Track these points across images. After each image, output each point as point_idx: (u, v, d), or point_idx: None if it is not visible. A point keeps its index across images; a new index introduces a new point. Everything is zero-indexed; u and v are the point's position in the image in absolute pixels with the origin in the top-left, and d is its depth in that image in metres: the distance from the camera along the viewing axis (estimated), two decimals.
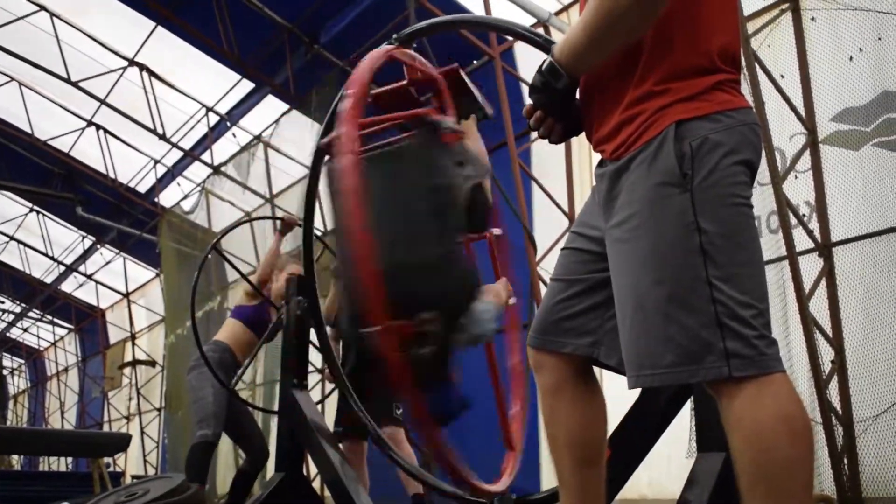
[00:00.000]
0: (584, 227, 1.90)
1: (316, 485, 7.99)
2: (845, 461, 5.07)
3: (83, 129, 13.27)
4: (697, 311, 1.54)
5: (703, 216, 1.55)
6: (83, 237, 16.95)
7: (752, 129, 1.64)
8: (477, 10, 8.24)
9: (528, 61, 8.40)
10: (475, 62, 8.77)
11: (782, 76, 5.80)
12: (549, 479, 7.74)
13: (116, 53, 11.50)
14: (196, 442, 4.55)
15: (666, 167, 1.58)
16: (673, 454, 5.04)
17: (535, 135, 6.86)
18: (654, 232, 1.59)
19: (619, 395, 2.18)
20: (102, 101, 12.34)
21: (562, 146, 7.73)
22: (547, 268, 7.55)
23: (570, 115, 1.82)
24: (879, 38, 5.43)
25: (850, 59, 5.56)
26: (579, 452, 1.90)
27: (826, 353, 5.33)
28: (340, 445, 4.54)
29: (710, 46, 1.63)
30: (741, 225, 1.59)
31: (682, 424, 4.30)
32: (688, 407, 2.74)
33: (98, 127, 13.16)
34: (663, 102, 1.61)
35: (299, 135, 10.77)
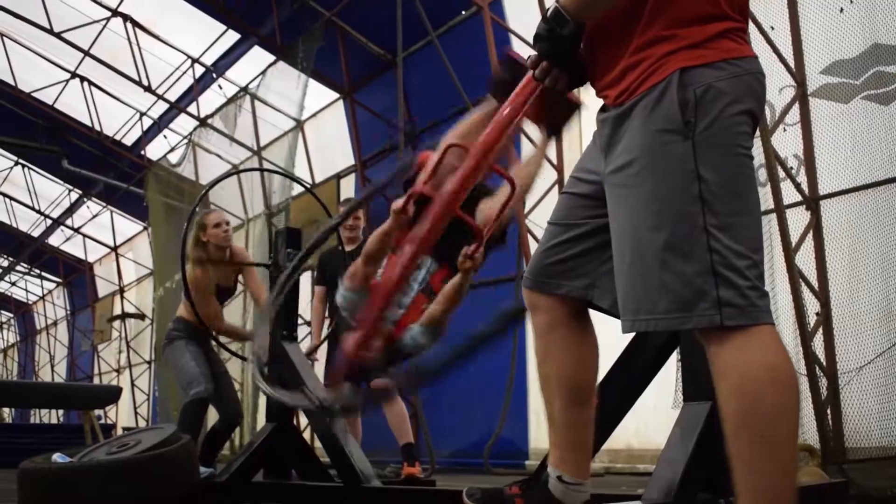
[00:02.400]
0: (583, 171, 1.90)
1: (306, 435, 8.06)
2: (829, 412, 5.13)
3: (67, 80, 13.13)
4: (693, 258, 1.55)
5: (703, 164, 1.56)
6: (70, 190, 16.86)
7: (756, 78, 1.64)
8: None
9: (518, 13, 8.32)
10: (463, 13, 8.68)
11: (772, 28, 5.76)
12: (536, 433, 7.84)
13: (100, 4, 11.36)
14: (189, 399, 4.56)
15: (668, 114, 1.58)
16: (659, 405, 5.09)
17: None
18: (654, 178, 1.60)
19: (609, 343, 2.21)
20: (86, 53, 12.20)
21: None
22: (536, 220, 7.56)
23: (576, 64, 1.81)
24: None
25: (841, 10, 5.53)
26: (570, 391, 1.92)
27: (812, 306, 5.37)
28: None
29: None
30: (741, 175, 1.59)
31: (669, 376, 4.35)
32: (674, 358, 2.77)
33: (82, 79, 13.01)
34: (668, 48, 1.60)
35: (286, 86, 10.67)
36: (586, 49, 1.77)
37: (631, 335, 2.42)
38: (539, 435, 7.73)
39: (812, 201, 5.59)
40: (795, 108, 5.77)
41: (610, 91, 1.71)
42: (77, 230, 18.32)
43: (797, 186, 5.63)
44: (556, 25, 1.69)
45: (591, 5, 1.67)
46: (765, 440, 1.50)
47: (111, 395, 8.45)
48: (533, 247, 7.44)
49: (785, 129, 5.79)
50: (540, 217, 7.57)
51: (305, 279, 5.54)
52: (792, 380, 1.55)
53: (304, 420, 6.62)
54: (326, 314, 5.62)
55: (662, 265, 1.57)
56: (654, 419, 5.41)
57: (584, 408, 1.94)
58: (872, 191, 5.33)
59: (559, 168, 7.71)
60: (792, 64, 5.76)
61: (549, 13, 1.71)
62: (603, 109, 1.76)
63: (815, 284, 5.44)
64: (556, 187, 7.69)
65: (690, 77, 1.58)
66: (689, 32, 1.60)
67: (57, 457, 3.37)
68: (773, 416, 1.50)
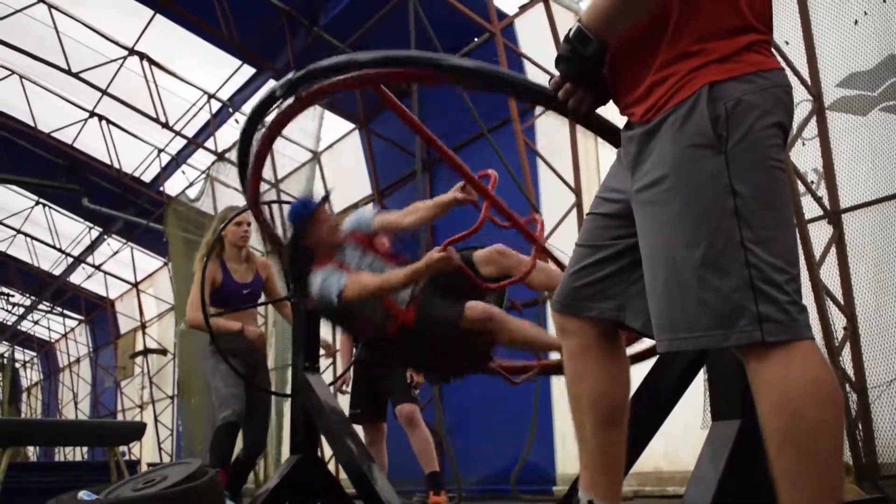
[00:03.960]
0: (609, 191, 1.89)
1: (331, 466, 8.01)
2: (860, 428, 5.05)
3: (86, 120, 13.26)
4: (731, 274, 1.52)
5: (737, 178, 1.54)
6: (90, 228, 16.98)
7: (784, 90, 1.63)
8: None
9: (530, 37, 8.35)
10: (476, 39, 8.72)
11: (787, 42, 5.74)
12: (562, 457, 7.77)
13: (116, 43, 11.46)
14: (219, 424, 4.54)
15: (699, 129, 1.56)
16: (689, 425, 5.03)
17: (538, 110, 6.83)
18: (687, 194, 1.58)
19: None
20: (104, 92, 12.32)
21: (566, 122, 7.69)
22: (555, 244, 7.52)
23: (599, 84, 1.79)
24: (884, 1, 5.36)
25: (856, 22, 5.50)
26: (602, 413, 1.90)
27: (838, 321, 5.31)
28: (359, 427, 4.56)
29: (743, 5, 1.61)
30: (775, 188, 1.57)
31: (697, 395, 4.30)
32: (700, 377, 2.73)
33: (100, 117, 13.14)
34: (696, 63, 1.59)
35: (302, 118, 10.70)
36: (610, 67, 1.75)
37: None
38: (566, 459, 7.66)
39: (834, 215, 5.54)
40: (813, 122, 5.73)
41: (636, 108, 1.70)
42: (98, 267, 18.43)
43: (818, 200, 5.59)
44: (579, 45, 1.68)
45: (615, 23, 1.65)
46: (810, 456, 1.47)
47: (136, 431, 8.40)
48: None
49: (804, 144, 5.76)
50: (559, 241, 7.54)
51: None
52: (835, 394, 1.52)
53: (328, 451, 6.59)
54: (353, 345, 5.60)
55: (700, 282, 1.55)
56: (683, 440, 5.35)
57: (616, 429, 1.91)
58: (894, 202, 5.27)
59: (577, 191, 7.69)
60: (807, 78, 5.73)
61: (570, 33, 1.69)
62: (628, 127, 1.74)
63: (841, 299, 5.38)
64: (575, 210, 7.67)
65: (720, 91, 1.56)
66: (717, 46, 1.59)
67: (83, 494, 3.37)
68: (817, 431, 1.48)
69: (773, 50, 1.67)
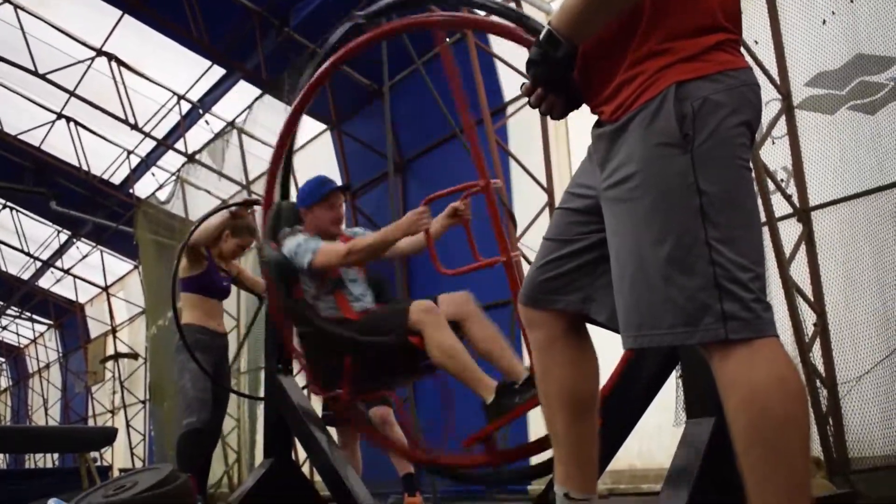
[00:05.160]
0: (578, 187, 1.89)
1: (305, 469, 7.98)
2: (830, 423, 5.10)
3: (53, 121, 13.11)
4: (696, 272, 1.53)
5: (703, 177, 1.55)
6: (58, 231, 16.79)
7: (752, 89, 1.64)
8: None
9: (502, 39, 8.34)
10: (448, 39, 8.70)
11: (756, 42, 5.78)
12: (537, 456, 7.76)
13: (84, 44, 11.35)
14: (182, 431, 4.53)
15: (666, 128, 1.57)
16: (662, 423, 5.06)
17: (510, 110, 6.84)
18: (654, 192, 1.59)
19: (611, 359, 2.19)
20: (72, 93, 12.19)
21: (537, 122, 7.71)
22: (528, 244, 7.54)
23: (570, 87, 1.79)
24: (852, 1, 5.42)
25: (824, 22, 5.55)
26: (572, 406, 1.92)
27: (808, 317, 5.36)
28: (332, 430, 4.54)
29: (712, 4, 1.62)
30: (741, 187, 1.58)
31: (669, 394, 4.33)
32: (673, 376, 2.75)
33: (68, 119, 13.00)
34: (664, 62, 1.60)
35: (273, 119, 10.69)
36: (581, 67, 1.75)
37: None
38: (541, 458, 7.65)
39: (803, 213, 5.59)
40: (782, 120, 5.78)
41: (606, 107, 1.70)
42: (67, 271, 18.23)
43: (788, 198, 5.63)
44: (549, 48, 1.68)
45: (585, 25, 1.65)
46: (777, 453, 1.48)
47: (107, 436, 8.34)
48: (525, 270, 7.41)
49: (773, 142, 5.81)
50: (531, 240, 7.55)
51: None
52: (800, 391, 1.53)
53: (302, 454, 6.56)
54: None
55: (665, 280, 1.56)
56: (656, 438, 5.38)
57: (586, 422, 1.92)
58: (863, 200, 5.33)
59: (549, 190, 7.71)
60: (776, 77, 5.78)
61: (541, 36, 1.69)
62: (598, 125, 1.75)
63: (811, 296, 5.43)
64: (548, 209, 7.68)
65: (687, 90, 1.57)
66: (684, 45, 1.60)
67: (53, 502, 3.33)
68: (784, 428, 1.48)
69: (741, 49, 1.68)
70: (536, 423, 7.68)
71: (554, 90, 1.77)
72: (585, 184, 1.85)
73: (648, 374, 2.50)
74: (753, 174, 5.16)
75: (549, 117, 1.83)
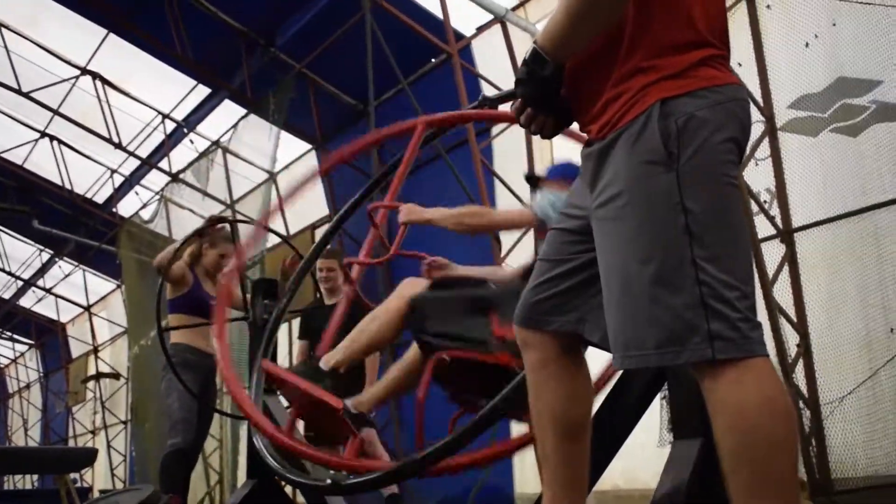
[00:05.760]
0: (571, 207, 1.89)
1: (288, 490, 7.92)
2: (813, 443, 5.11)
3: (37, 140, 13.04)
4: (682, 291, 1.52)
5: (688, 196, 1.53)
6: (41, 251, 16.67)
7: (739, 104, 1.62)
8: (433, 9, 8.22)
9: (487, 59, 8.40)
10: (433, 60, 8.75)
11: (739, 64, 5.83)
12: (521, 478, 7.75)
13: (68, 62, 11.33)
14: (167, 451, 4.49)
15: (651, 146, 1.56)
16: (646, 444, 5.05)
17: (496, 130, 6.86)
18: (641, 211, 1.57)
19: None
20: (56, 112, 12.14)
21: (522, 142, 7.74)
22: (512, 263, 7.54)
23: (559, 106, 1.78)
24: (834, 24, 5.48)
25: (807, 45, 5.61)
26: (563, 428, 1.90)
27: (791, 338, 5.37)
28: None
29: (696, 20, 1.61)
30: (728, 205, 1.57)
31: (653, 414, 4.32)
32: (658, 396, 2.75)
33: (52, 138, 12.94)
34: (649, 80, 1.59)
35: (258, 139, 10.67)
36: (568, 85, 1.75)
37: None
38: (524, 480, 7.64)
39: (786, 234, 5.63)
40: (765, 142, 5.83)
41: (593, 125, 1.70)
42: (49, 291, 18.09)
43: (771, 220, 5.67)
44: (536, 67, 1.68)
45: (569, 43, 1.65)
46: (765, 474, 1.46)
47: (87, 457, 8.25)
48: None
49: (757, 164, 5.85)
50: (515, 260, 7.56)
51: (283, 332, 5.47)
52: (789, 412, 1.52)
53: None
54: None
55: (652, 299, 1.54)
56: (640, 459, 5.35)
57: (576, 445, 1.91)
58: (845, 221, 5.37)
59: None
60: (760, 99, 5.83)
61: (527, 55, 1.69)
62: (587, 144, 1.75)
63: (794, 316, 5.45)
64: (532, 230, 7.68)
65: (671, 107, 1.56)
66: (669, 62, 1.59)
67: None
68: (772, 449, 1.47)
69: (728, 65, 1.68)
70: (522, 462, 7.68)
71: (543, 109, 1.76)
72: (578, 204, 1.84)
73: (635, 395, 2.49)
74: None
75: (539, 136, 1.83)
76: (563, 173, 3.35)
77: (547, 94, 1.73)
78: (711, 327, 1.50)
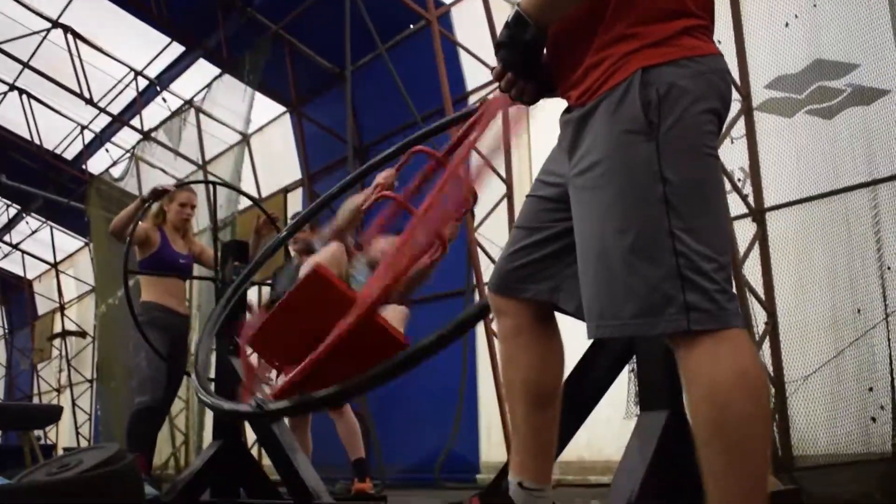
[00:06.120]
0: (547, 174, 1.87)
1: (254, 452, 7.93)
2: (776, 420, 5.18)
3: (5, 93, 12.80)
4: (659, 262, 1.51)
5: (667, 166, 1.52)
6: (7, 206, 16.45)
7: (721, 76, 1.61)
8: None
9: (466, 26, 8.34)
10: (412, 26, 8.67)
11: (719, 42, 5.79)
12: (486, 446, 7.81)
13: (39, 14, 11.09)
14: (134, 409, 4.46)
15: (631, 114, 1.55)
16: (612, 416, 5.09)
17: (472, 99, 6.82)
18: (618, 180, 1.56)
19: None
20: (25, 65, 11.91)
21: (499, 113, 7.69)
22: (485, 234, 7.55)
23: (541, 72, 1.76)
24: (815, 5, 5.48)
25: (787, 25, 5.61)
26: (533, 396, 1.90)
27: (759, 316, 5.43)
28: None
29: None
30: (706, 176, 1.57)
31: (620, 387, 4.35)
32: (626, 369, 2.76)
33: (21, 91, 12.70)
34: (630, 47, 1.58)
35: (232, 99, 10.56)
36: (550, 51, 1.73)
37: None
38: (490, 449, 7.70)
39: (758, 213, 5.66)
40: (741, 121, 5.85)
41: (573, 91, 1.69)
42: (15, 246, 17.87)
43: (744, 199, 5.70)
44: (518, 31, 1.65)
45: (552, 7, 1.63)
46: (736, 448, 1.47)
47: (51, 414, 8.20)
48: (483, 260, 7.43)
49: (732, 142, 5.86)
50: (489, 231, 7.56)
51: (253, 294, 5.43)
52: (763, 385, 1.52)
53: (251, 437, 6.51)
54: None
55: (628, 269, 1.54)
56: (606, 431, 5.41)
57: (546, 413, 1.91)
58: (817, 203, 5.41)
59: (508, 182, 7.71)
60: (737, 78, 5.84)
61: (509, 19, 1.67)
62: (566, 111, 1.73)
63: (762, 295, 5.50)
64: (506, 201, 7.69)
65: (652, 76, 1.55)
66: (651, 30, 1.58)
67: None
68: (744, 423, 1.47)
69: (712, 36, 1.67)
70: (488, 431, 7.75)
71: (523, 74, 1.75)
72: (554, 171, 1.83)
73: (605, 364, 2.51)
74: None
75: (521, 103, 1.81)
76: None
77: (528, 59, 1.71)
78: (687, 298, 1.49)
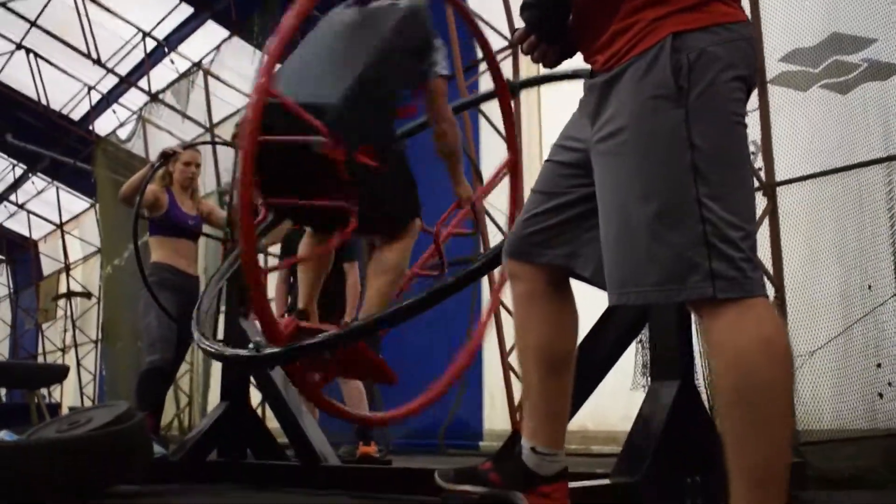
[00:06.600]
0: (568, 139, 1.85)
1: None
2: None
3: (12, 52, 12.74)
4: (685, 229, 1.50)
5: (696, 132, 1.51)
6: (13, 165, 16.43)
7: (749, 43, 1.60)
8: None
9: None
10: None
11: None
12: (490, 413, 7.84)
13: None
14: (144, 369, 4.48)
15: (660, 80, 1.53)
16: (617, 386, 5.10)
17: (482, 67, 6.76)
18: (645, 146, 1.55)
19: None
20: (33, 24, 11.85)
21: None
22: (493, 202, 7.51)
23: (564, 36, 1.74)
24: None
25: None
26: (547, 362, 1.90)
27: (768, 291, 5.41)
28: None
29: None
30: (735, 144, 1.55)
31: (627, 358, 4.35)
32: (634, 340, 2.76)
33: (28, 50, 12.64)
34: (661, 12, 1.55)
35: (240, 62, 10.49)
36: (576, 13, 1.71)
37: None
38: (494, 416, 7.74)
39: (769, 187, 5.63)
40: (754, 94, 5.77)
41: (599, 56, 1.66)
42: (21, 206, 17.88)
43: (755, 173, 5.66)
44: None
45: None
46: (760, 416, 1.46)
47: (58, 373, 8.27)
48: (490, 229, 7.40)
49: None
50: (496, 199, 7.52)
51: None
52: (787, 354, 1.52)
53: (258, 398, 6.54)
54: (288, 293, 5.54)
55: (653, 236, 1.52)
56: (610, 401, 5.42)
57: (560, 379, 1.91)
58: (829, 178, 5.37)
59: (517, 148, 7.65)
60: None
61: None
62: (591, 75, 1.71)
63: (771, 270, 5.48)
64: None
65: (683, 41, 1.53)
66: None
67: (4, 435, 3.28)
68: (768, 391, 1.46)
69: (740, 2, 1.64)
70: (492, 399, 7.77)
71: (547, 36, 1.73)
72: (575, 136, 1.81)
73: (618, 331, 2.51)
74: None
75: (542, 65, 1.79)
76: None
77: (552, 21, 1.69)
78: (713, 266, 1.48)
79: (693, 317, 2.39)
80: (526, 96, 7.67)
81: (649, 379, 4.76)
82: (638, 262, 1.56)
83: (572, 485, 1.98)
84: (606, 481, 2.26)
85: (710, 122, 1.52)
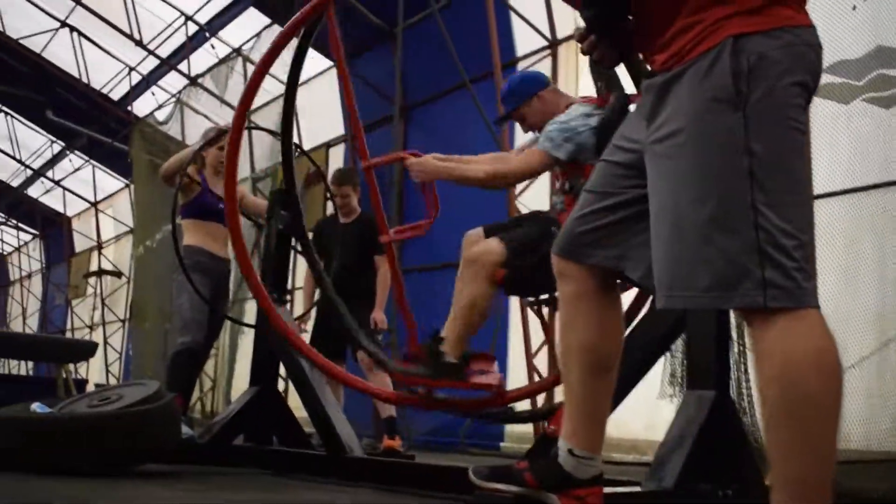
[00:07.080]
0: (624, 140, 1.84)
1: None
2: None
3: (56, 30, 12.89)
4: (738, 235, 1.48)
5: (754, 138, 1.48)
6: (52, 142, 16.62)
7: (813, 49, 1.57)
8: None
9: None
10: None
11: None
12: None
13: None
14: (176, 350, 4.51)
15: (720, 82, 1.51)
16: (641, 395, 5.06)
17: (522, 65, 6.73)
18: (700, 150, 1.53)
19: None
20: (78, 2, 11.97)
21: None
22: (525, 202, 7.50)
23: (624, 39, 1.73)
24: None
25: (854, 8, 5.47)
26: (590, 363, 1.89)
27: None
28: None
29: None
30: (793, 150, 1.52)
31: (655, 367, 4.32)
32: None
33: (72, 29, 12.78)
34: (723, 14, 1.53)
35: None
36: (637, 12, 1.69)
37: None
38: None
39: None
40: None
41: (658, 56, 1.65)
42: (57, 182, 18.09)
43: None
44: None
45: None
46: (806, 429, 1.44)
47: (88, 349, 8.35)
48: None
49: None
50: (528, 199, 7.51)
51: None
52: (837, 366, 1.48)
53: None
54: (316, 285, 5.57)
55: (705, 240, 1.51)
56: (633, 409, 5.39)
57: (602, 381, 1.91)
58: (868, 193, 5.30)
59: None
60: None
61: None
62: (650, 75, 1.70)
63: None
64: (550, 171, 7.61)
65: (744, 44, 1.51)
66: None
67: (36, 406, 3.31)
68: (816, 403, 1.44)
69: (805, 6, 1.61)
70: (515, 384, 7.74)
71: (607, 35, 1.71)
72: (631, 137, 1.80)
73: (656, 337, 2.49)
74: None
75: (601, 65, 1.78)
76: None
77: (613, 20, 1.68)
78: (766, 274, 1.46)
79: (730, 327, 2.38)
80: (564, 80, 7.62)
81: (677, 388, 4.73)
82: (688, 265, 1.54)
83: (605, 490, 1.96)
84: (638, 488, 2.25)
85: (768, 128, 1.50)
